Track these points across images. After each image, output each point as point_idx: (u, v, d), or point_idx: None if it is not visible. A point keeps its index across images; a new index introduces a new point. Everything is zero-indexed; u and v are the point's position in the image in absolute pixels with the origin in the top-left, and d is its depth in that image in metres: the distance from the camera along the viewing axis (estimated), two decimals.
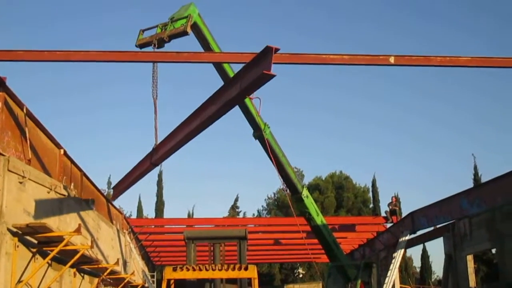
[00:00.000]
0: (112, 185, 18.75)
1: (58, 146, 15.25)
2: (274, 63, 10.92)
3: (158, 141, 15.26)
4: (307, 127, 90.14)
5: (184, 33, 14.55)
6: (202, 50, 15.33)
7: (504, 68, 12.84)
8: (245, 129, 17.67)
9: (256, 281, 9.33)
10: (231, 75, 15.95)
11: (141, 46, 14.62)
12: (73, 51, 11.59)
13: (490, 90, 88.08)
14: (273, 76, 10.43)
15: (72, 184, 16.37)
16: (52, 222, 13.16)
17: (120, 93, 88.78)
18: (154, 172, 54.26)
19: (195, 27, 14.90)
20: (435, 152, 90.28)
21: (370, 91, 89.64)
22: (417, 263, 58.23)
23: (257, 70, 10.86)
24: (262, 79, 10.89)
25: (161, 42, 14.43)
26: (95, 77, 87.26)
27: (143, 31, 14.99)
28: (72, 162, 16.60)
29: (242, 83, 11.78)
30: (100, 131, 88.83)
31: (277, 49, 10.22)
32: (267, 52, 10.41)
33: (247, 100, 16.38)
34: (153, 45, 14.36)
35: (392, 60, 11.75)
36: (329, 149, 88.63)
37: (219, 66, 15.82)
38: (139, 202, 50.85)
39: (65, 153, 15.66)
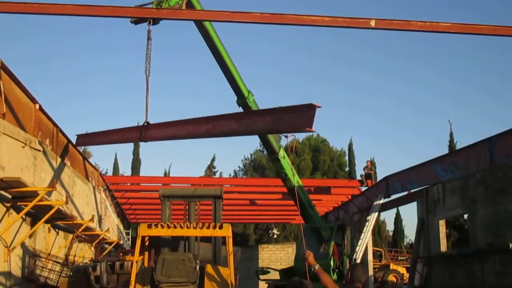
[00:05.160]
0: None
1: (33, 100, 15.02)
2: (256, 22, 11.06)
3: (151, 120, 15.34)
4: (285, 89, 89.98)
5: None
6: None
7: (483, 35, 12.97)
8: (226, 90, 17.50)
9: (230, 240, 9.36)
10: (223, 52, 15.68)
11: (136, 22, 14.36)
12: (49, 3, 11.36)
13: (471, 55, 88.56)
14: (312, 132, 12.01)
15: (47, 139, 16.21)
16: (27, 177, 13.07)
17: (106, 59, 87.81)
18: None
19: (189, 7, 14.68)
20: (412, 116, 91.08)
21: (348, 54, 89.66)
22: (390, 227, 59.38)
23: (296, 119, 12.23)
24: (300, 131, 12.50)
25: (156, 19, 14.24)
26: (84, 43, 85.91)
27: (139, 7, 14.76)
28: (48, 117, 16.39)
29: (275, 122, 12.97)
30: (83, 95, 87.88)
31: (319, 107, 11.74)
32: (310, 109, 11.77)
33: (231, 67, 16.10)
34: (148, 22, 14.16)
35: (372, 23, 11.81)
36: None
37: (215, 49, 15.58)
38: (115, 160, 50.85)
39: (40, 108, 15.44)
